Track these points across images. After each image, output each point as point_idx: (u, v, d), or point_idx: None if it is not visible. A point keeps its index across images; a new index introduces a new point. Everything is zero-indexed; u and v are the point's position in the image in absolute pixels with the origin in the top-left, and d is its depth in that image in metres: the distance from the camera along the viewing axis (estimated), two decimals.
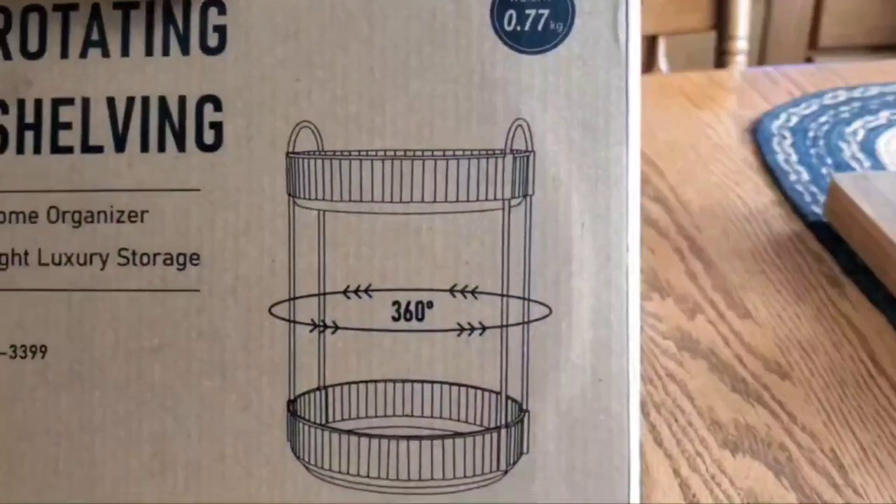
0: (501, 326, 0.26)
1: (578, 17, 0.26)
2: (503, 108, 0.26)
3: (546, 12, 0.26)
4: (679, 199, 0.63)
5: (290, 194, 0.26)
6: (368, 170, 0.25)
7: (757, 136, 0.72)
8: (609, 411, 0.26)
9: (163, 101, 0.26)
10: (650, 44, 1.07)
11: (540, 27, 0.26)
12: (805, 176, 0.65)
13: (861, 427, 0.42)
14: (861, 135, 0.71)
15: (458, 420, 0.26)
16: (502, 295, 0.26)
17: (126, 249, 0.26)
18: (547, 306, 0.26)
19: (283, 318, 0.26)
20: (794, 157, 0.68)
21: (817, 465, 0.40)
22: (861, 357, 0.47)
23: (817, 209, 0.60)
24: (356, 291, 0.26)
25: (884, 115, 0.74)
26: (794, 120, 0.74)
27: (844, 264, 0.54)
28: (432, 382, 0.26)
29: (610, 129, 0.26)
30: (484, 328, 0.26)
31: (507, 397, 0.26)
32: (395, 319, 0.26)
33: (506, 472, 0.26)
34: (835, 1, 1.80)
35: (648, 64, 1.10)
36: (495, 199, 0.26)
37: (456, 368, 0.26)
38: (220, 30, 0.26)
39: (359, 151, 0.26)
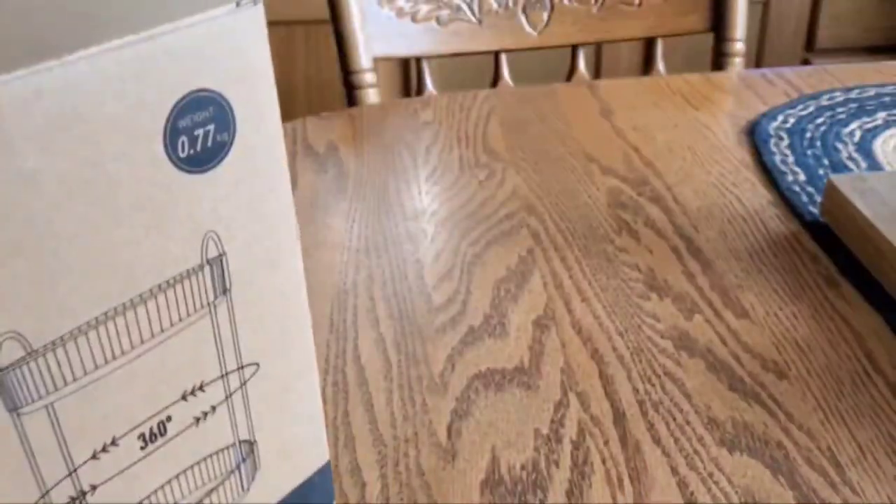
0: (226, 399, 0.30)
1: (239, 123, 0.27)
2: (193, 227, 0.27)
3: (212, 127, 0.26)
4: (677, 199, 0.63)
5: (9, 410, 0.24)
6: (85, 344, 0.25)
7: (754, 136, 0.72)
8: (306, 414, 0.33)
9: None
10: (648, 45, 1.07)
11: (209, 143, 0.26)
12: (802, 176, 0.65)
13: (858, 425, 0.42)
14: (858, 136, 0.71)
15: (212, 487, 0.31)
16: (222, 376, 0.29)
17: None
18: (256, 363, 0.30)
19: None
20: (791, 158, 0.68)
21: (814, 463, 0.40)
22: (857, 356, 0.47)
23: (814, 209, 0.60)
24: (103, 450, 0.27)
25: (880, 117, 0.75)
26: (792, 121, 0.74)
27: (841, 264, 0.54)
28: (177, 477, 0.29)
29: (275, 213, 0.30)
30: (214, 408, 0.30)
31: (240, 441, 0.31)
32: (144, 447, 0.28)
33: (247, 488, 0.32)
34: (832, 3, 1.80)
35: (646, 66, 1.10)
36: (202, 307, 0.28)
37: (200, 450, 0.30)
38: None
39: (70, 332, 0.25)
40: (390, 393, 0.45)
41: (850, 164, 0.67)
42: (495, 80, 1.04)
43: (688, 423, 0.43)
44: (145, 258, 0.26)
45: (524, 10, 1.02)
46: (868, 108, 0.76)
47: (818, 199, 0.61)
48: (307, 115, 0.81)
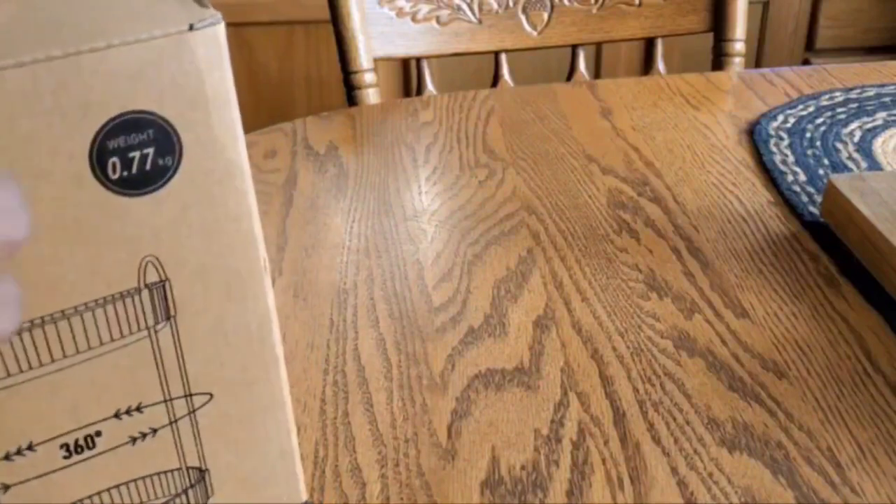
0: (170, 423, 0.29)
1: (187, 147, 0.26)
2: (130, 250, 0.26)
3: (151, 150, 0.25)
4: (677, 199, 0.63)
5: None
6: (19, 345, 0.25)
7: (754, 137, 0.72)
8: (274, 450, 0.32)
9: None
10: (648, 46, 1.07)
11: (148, 166, 0.26)
12: (802, 177, 0.65)
13: (858, 425, 0.42)
14: (858, 136, 0.71)
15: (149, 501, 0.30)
16: (165, 401, 0.29)
17: None
18: (209, 393, 0.30)
19: None
20: (790, 158, 0.68)
21: (814, 463, 0.40)
22: (857, 356, 0.47)
23: (814, 209, 0.60)
24: (18, 453, 0.27)
25: (880, 117, 0.75)
26: (791, 121, 0.74)
27: (841, 264, 0.54)
28: (111, 489, 0.29)
29: (234, 244, 0.28)
30: (155, 430, 0.29)
31: (188, 468, 0.31)
32: (67, 457, 0.28)
33: None
34: (831, 3, 1.80)
35: (646, 65, 1.10)
36: (140, 330, 0.28)
37: (137, 469, 0.30)
38: None
39: None
40: (390, 393, 0.45)
41: (850, 165, 0.67)
42: (495, 80, 1.04)
43: (688, 423, 0.43)
44: (69, 275, 0.25)
45: (524, 10, 1.02)
46: (868, 108, 0.76)
47: (818, 199, 0.61)
48: (307, 114, 0.81)
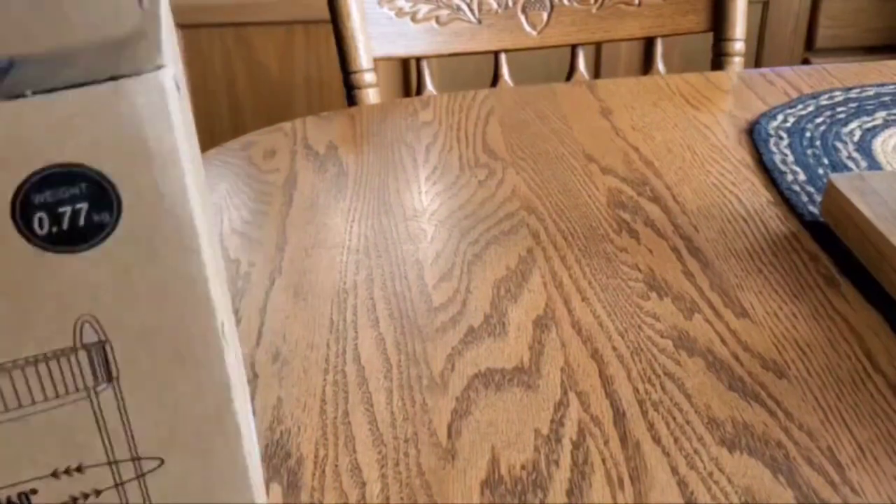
0: (116, 486, 0.28)
1: (127, 203, 0.24)
2: (62, 308, 0.25)
3: (85, 206, 0.23)
4: (676, 199, 0.63)
5: None
6: None
7: (754, 136, 0.72)
8: None
9: None
10: (648, 45, 1.07)
11: (82, 222, 0.24)
12: (802, 176, 0.65)
13: (858, 425, 0.42)
14: (857, 135, 0.71)
15: None
16: (109, 462, 0.27)
17: None
18: (160, 458, 0.28)
19: None
20: (790, 158, 0.68)
21: (814, 463, 0.40)
22: (857, 355, 0.47)
23: (814, 209, 0.60)
24: None
25: (880, 116, 0.75)
26: (791, 121, 0.74)
27: (841, 264, 0.54)
28: None
29: (185, 307, 0.26)
30: (98, 492, 0.28)
31: None
32: None
33: None
34: (831, 3, 1.80)
35: (646, 65, 1.10)
36: (77, 390, 0.26)
37: None
38: None
39: None
40: (390, 393, 0.45)
41: (850, 164, 0.67)
42: (495, 79, 1.04)
43: (688, 422, 0.43)
44: (3, 331, 0.24)
45: (524, 10, 1.02)
46: (868, 107, 0.76)
47: (818, 198, 0.61)
48: (307, 114, 0.81)
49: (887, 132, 0.72)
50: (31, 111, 0.22)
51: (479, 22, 1.01)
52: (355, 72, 0.95)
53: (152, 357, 0.26)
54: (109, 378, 0.26)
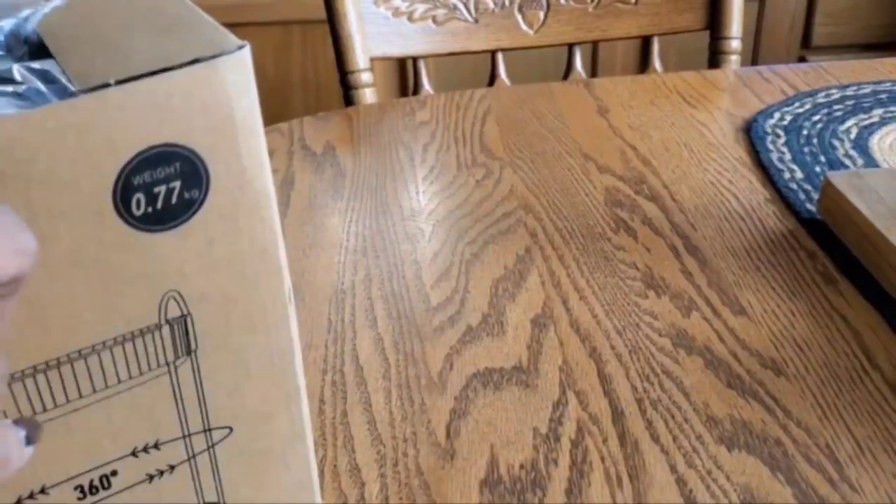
0: (188, 459, 0.29)
1: (214, 178, 0.25)
2: (151, 287, 0.25)
3: (178, 184, 0.24)
4: (674, 197, 0.63)
5: None
6: (33, 387, 0.25)
7: (751, 134, 0.72)
8: (294, 481, 0.31)
9: None
10: (644, 44, 1.07)
11: (174, 200, 0.24)
12: (799, 174, 0.65)
13: (856, 422, 0.42)
14: (854, 133, 0.71)
15: None
16: (184, 436, 0.28)
17: None
18: (229, 427, 0.29)
19: None
20: (787, 156, 0.68)
21: (813, 460, 0.40)
22: (855, 353, 0.47)
23: (811, 207, 0.60)
24: (30, 497, 0.26)
25: (877, 114, 0.75)
26: (788, 118, 0.74)
27: (838, 261, 0.54)
28: None
29: (259, 276, 0.27)
30: (172, 467, 0.28)
31: (205, 502, 0.30)
32: (82, 498, 0.27)
33: None
34: (828, 0, 1.80)
35: (643, 64, 1.10)
36: (159, 366, 0.27)
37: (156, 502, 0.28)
38: None
39: (22, 372, 0.25)
40: (389, 392, 0.45)
41: (847, 162, 0.67)
42: (492, 79, 1.04)
43: (686, 420, 0.43)
44: (85, 314, 0.24)
45: (520, 10, 1.02)
46: (864, 105, 0.76)
47: (815, 196, 0.61)
48: (304, 115, 0.81)
49: (884, 130, 0.72)
50: (136, 95, 0.23)
51: (476, 21, 1.01)
52: (352, 72, 0.95)
53: (227, 326, 0.27)
54: (189, 351, 0.27)
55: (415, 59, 1.01)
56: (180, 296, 0.26)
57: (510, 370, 0.46)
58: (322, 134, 0.76)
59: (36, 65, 0.25)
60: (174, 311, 0.26)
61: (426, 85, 1.02)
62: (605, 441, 0.42)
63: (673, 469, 0.40)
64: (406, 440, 0.42)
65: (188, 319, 0.26)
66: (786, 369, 0.46)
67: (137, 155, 0.23)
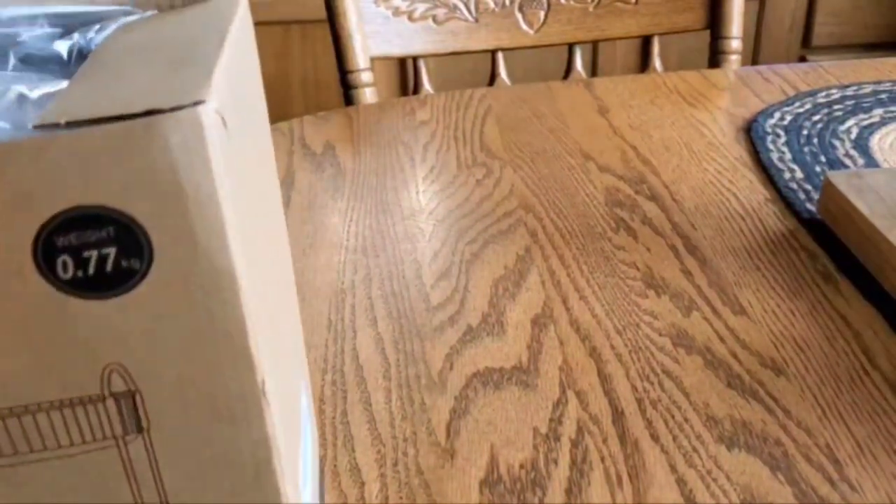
0: None
1: (159, 249, 0.22)
2: (88, 355, 0.23)
3: (112, 251, 0.22)
4: (674, 197, 0.63)
5: None
6: None
7: (751, 134, 0.72)
8: None
9: None
10: (645, 43, 1.07)
11: (109, 268, 0.22)
12: (799, 174, 0.65)
13: (856, 422, 0.42)
14: (855, 133, 0.71)
15: None
16: None
17: None
18: None
19: None
20: (788, 155, 0.68)
21: (813, 460, 0.40)
22: (855, 352, 0.47)
23: (811, 206, 0.60)
24: None
25: (877, 113, 0.75)
26: (788, 118, 0.74)
27: (838, 261, 0.54)
28: None
29: (222, 362, 0.24)
30: None
31: None
32: None
33: None
34: (828, 0, 1.80)
35: (643, 63, 1.10)
36: (105, 438, 0.25)
37: None
38: None
39: None
40: (389, 392, 0.45)
41: (847, 161, 0.67)
42: (492, 78, 1.04)
43: (686, 420, 0.43)
44: (19, 372, 0.23)
45: (521, 9, 1.02)
46: (865, 104, 0.76)
47: (815, 196, 0.61)
48: (304, 114, 0.81)
49: (884, 129, 0.72)
50: (56, 146, 0.20)
51: (476, 21, 1.01)
52: (352, 71, 0.95)
53: (185, 410, 0.25)
54: (139, 429, 0.25)
55: (415, 59, 1.01)
56: (125, 370, 0.24)
57: (510, 370, 0.46)
58: (322, 133, 0.76)
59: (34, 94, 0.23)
60: (119, 385, 0.24)
61: (426, 84, 1.02)
62: (604, 441, 0.42)
63: (673, 469, 0.40)
64: (406, 440, 0.42)
65: (136, 396, 0.24)
66: (786, 369, 0.46)
67: (58, 214, 0.21)
